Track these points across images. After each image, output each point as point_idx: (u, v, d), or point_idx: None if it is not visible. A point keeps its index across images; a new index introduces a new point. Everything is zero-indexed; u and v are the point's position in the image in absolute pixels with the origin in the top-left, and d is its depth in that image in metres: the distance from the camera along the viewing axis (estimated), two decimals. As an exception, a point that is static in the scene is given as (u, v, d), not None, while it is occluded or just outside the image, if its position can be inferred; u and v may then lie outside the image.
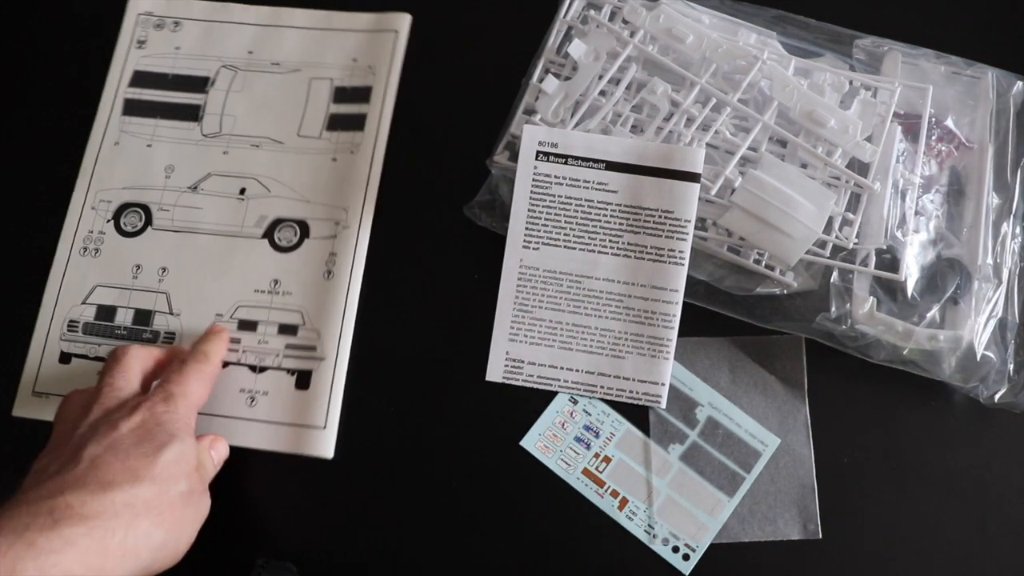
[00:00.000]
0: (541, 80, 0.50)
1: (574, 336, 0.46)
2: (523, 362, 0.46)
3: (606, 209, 0.46)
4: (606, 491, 0.45)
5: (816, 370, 0.47)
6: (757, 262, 0.47)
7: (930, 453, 0.45)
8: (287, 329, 0.47)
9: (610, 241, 0.46)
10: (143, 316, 0.48)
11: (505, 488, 0.45)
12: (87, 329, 0.48)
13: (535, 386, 0.46)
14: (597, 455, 0.45)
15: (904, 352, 0.45)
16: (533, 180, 0.47)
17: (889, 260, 0.46)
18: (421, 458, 0.46)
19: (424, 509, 0.45)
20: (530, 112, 0.50)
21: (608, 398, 0.46)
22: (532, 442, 0.46)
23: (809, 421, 0.46)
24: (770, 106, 0.47)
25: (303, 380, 0.46)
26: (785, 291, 0.47)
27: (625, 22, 0.50)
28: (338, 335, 0.47)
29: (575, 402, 0.46)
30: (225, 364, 0.46)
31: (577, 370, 0.46)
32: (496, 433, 0.46)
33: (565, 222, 0.46)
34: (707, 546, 0.43)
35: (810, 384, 0.46)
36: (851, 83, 0.49)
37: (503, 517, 0.45)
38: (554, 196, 0.46)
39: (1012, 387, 0.45)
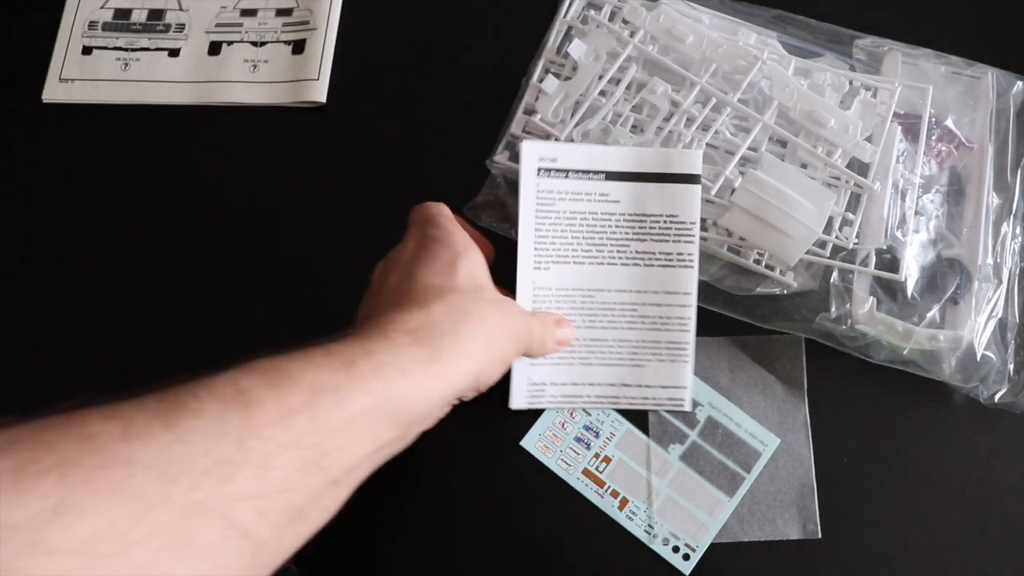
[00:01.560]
0: (541, 80, 0.50)
1: (592, 351, 0.46)
2: (545, 384, 0.46)
3: (611, 219, 0.46)
4: (606, 491, 0.45)
5: (816, 370, 0.47)
6: (757, 262, 0.47)
7: (930, 453, 0.45)
8: (283, 12, 0.56)
9: (618, 251, 0.46)
10: (156, 13, 0.56)
11: (505, 488, 0.45)
12: (106, 27, 0.56)
13: (560, 406, 0.46)
14: (597, 455, 0.45)
15: (904, 352, 0.45)
16: (537, 198, 0.46)
17: (889, 260, 0.46)
18: (421, 458, 0.46)
19: (424, 509, 0.45)
20: (530, 112, 0.50)
21: (633, 407, 0.46)
22: (532, 442, 0.46)
23: (808, 421, 0.46)
24: (770, 106, 0.47)
25: (298, 47, 0.55)
26: (785, 291, 0.47)
27: (625, 22, 0.50)
28: (328, 8, 0.55)
29: (575, 402, 0.46)
30: (230, 43, 0.55)
31: (599, 384, 0.46)
32: (496, 433, 0.46)
33: (572, 237, 0.46)
34: (707, 546, 0.43)
35: (810, 384, 0.46)
36: (851, 83, 0.49)
37: (503, 517, 0.45)
38: (559, 212, 0.46)
39: (1012, 387, 0.45)
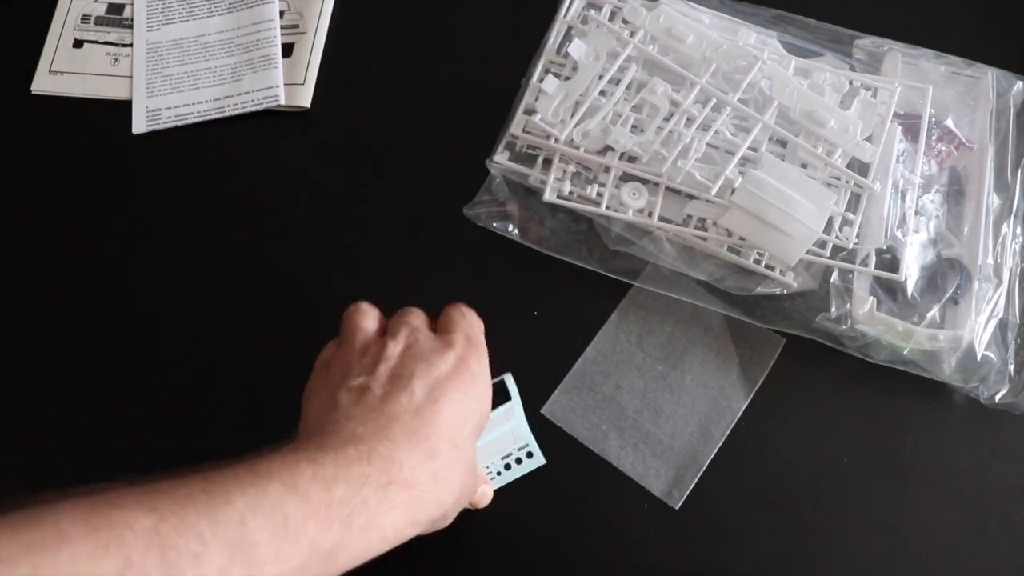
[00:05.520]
0: (541, 80, 0.50)
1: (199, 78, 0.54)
2: (160, 109, 0.53)
3: None
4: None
5: (816, 370, 0.46)
6: (757, 262, 0.47)
7: (930, 453, 0.45)
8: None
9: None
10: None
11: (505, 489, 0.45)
12: (98, 21, 0.56)
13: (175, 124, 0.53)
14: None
15: (904, 352, 0.45)
16: None
17: (889, 260, 0.46)
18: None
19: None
20: (530, 112, 0.50)
21: (238, 112, 0.53)
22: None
23: (738, 417, 0.45)
24: (770, 106, 0.47)
25: (287, 50, 0.55)
26: (785, 291, 0.47)
27: (625, 22, 0.50)
28: (318, 13, 0.56)
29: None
30: None
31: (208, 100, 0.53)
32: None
33: None
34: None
35: (811, 384, 0.46)
36: (851, 83, 0.49)
37: (506, 513, 0.45)
38: None
39: (1013, 387, 0.45)
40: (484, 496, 0.42)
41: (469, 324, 0.39)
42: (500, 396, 0.43)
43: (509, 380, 0.42)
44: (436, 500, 0.35)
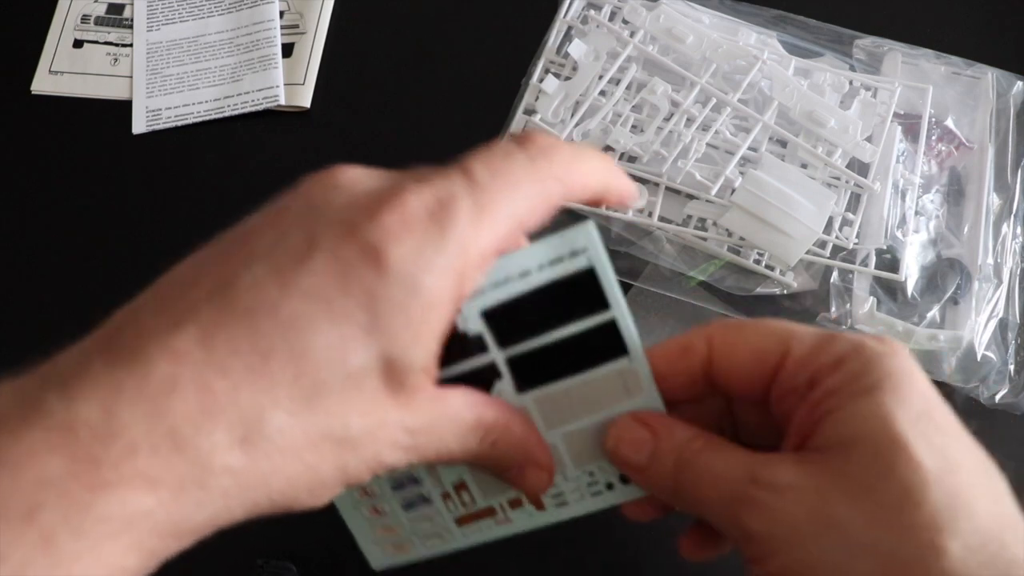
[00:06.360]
0: (541, 80, 0.50)
1: (199, 78, 0.54)
2: (160, 109, 0.53)
3: None
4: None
5: (816, 370, 0.46)
6: (757, 262, 0.47)
7: (930, 453, 0.45)
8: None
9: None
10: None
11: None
12: (98, 21, 0.56)
13: (175, 124, 0.53)
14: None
15: (904, 352, 0.45)
16: None
17: (889, 260, 0.46)
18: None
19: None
20: (530, 112, 0.50)
21: (238, 112, 0.53)
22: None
23: None
24: (770, 106, 0.47)
25: (287, 50, 0.55)
26: (785, 291, 0.47)
27: (625, 22, 0.50)
28: (318, 13, 0.56)
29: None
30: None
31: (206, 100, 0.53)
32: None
33: None
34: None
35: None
36: (851, 83, 0.49)
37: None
38: None
39: (1013, 387, 0.45)
40: (531, 478, 0.28)
41: (500, 165, 0.23)
42: (606, 345, 0.24)
43: (623, 313, 0.24)
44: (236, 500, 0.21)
